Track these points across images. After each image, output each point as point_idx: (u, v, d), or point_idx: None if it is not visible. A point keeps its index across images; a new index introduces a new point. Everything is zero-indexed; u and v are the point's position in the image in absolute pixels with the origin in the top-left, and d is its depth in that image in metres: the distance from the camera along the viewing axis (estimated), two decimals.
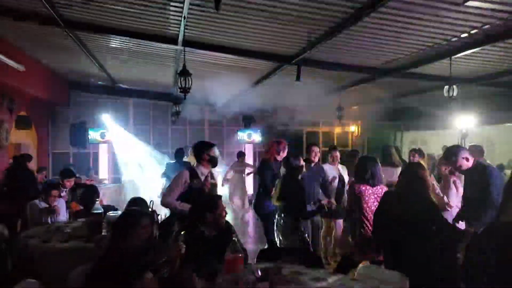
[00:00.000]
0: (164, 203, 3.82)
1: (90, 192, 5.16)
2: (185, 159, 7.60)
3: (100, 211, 3.98)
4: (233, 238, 2.69)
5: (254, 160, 11.19)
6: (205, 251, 2.82)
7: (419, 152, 6.13)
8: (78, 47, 5.86)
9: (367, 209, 3.77)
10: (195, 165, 4.06)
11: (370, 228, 3.72)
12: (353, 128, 12.14)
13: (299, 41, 4.91)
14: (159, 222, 3.93)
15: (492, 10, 3.65)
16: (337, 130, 12.01)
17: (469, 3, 3.50)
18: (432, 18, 3.93)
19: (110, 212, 4.01)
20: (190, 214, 3.25)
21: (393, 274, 2.82)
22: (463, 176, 4.13)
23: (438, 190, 4.61)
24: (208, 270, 2.55)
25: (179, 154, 7.25)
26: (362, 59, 5.60)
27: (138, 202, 4.03)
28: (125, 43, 5.74)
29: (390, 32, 4.39)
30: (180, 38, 4.83)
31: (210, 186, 4.01)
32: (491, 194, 3.42)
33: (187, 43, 4.87)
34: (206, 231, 3.04)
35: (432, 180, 4.52)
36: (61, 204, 4.72)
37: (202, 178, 3.92)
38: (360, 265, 3.13)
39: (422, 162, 5.46)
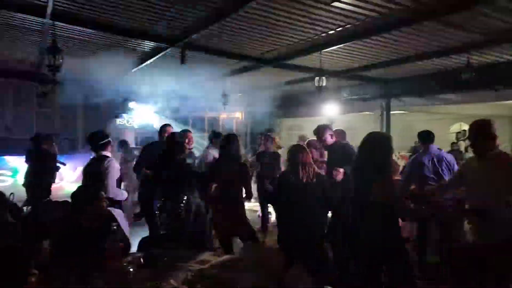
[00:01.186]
0: None
1: None
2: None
3: None
4: (113, 228, 2.59)
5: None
6: (82, 243, 2.68)
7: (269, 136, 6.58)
8: None
9: (226, 182, 4.01)
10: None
11: (227, 200, 4.01)
12: (238, 115, 12.51)
13: (182, 24, 4.85)
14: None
15: (353, 12, 4.14)
16: (223, 116, 12.24)
17: (335, 4, 3.91)
18: (305, 14, 4.27)
19: None
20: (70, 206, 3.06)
21: (271, 250, 3.07)
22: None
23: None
24: (83, 264, 2.44)
25: (37, 140, 6.63)
26: (243, 47, 5.78)
27: None
28: None
29: (268, 23, 4.64)
30: (49, 10, 4.33)
31: None
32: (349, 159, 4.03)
33: (57, 16, 4.41)
34: (84, 223, 2.90)
35: None
36: None
37: None
38: (242, 244, 3.35)
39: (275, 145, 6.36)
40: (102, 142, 4.15)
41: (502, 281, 2.86)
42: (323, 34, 4.97)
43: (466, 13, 4.05)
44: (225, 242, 4.01)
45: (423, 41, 5.19)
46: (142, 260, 2.59)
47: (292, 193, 3.45)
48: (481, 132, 2.96)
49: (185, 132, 5.60)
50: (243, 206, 4.09)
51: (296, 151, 3.58)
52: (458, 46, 5.31)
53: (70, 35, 5.39)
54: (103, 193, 3.09)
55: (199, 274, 2.48)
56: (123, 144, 8.55)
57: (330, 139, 4.70)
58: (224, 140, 4.15)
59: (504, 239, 2.81)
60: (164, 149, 4.35)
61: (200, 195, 5.53)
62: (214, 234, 5.83)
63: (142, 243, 3.25)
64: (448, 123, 12.27)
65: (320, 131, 4.74)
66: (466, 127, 12.26)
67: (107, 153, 4.15)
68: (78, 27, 5.00)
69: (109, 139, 4.22)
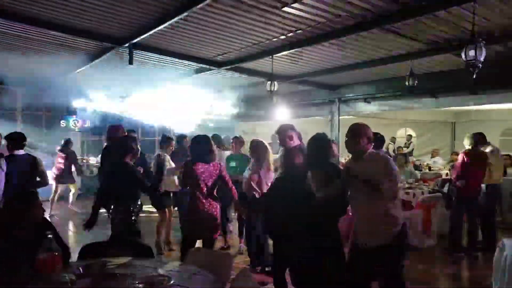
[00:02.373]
0: None
1: None
2: None
3: None
4: (49, 236, 2.42)
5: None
6: (17, 255, 2.49)
7: (239, 139, 6.55)
8: None
9: (201, 184, 3.96)
10: None
11: (203, 202, 3.96)
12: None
13: (131, 24, 4.70)
14: None
15: (303, 17, 4.21)
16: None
17: (285, 9, 3.96)
18: (257, 17, 4.29)
19: None
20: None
21: (220, 254, 3.02)
22: None
23: None
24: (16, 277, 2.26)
25: None
26: (195, 49, 5.71)
27: None
28: None
29: (220, 26, 4.61)
30: None
31: None
32: None
33: None
34: (18, 235, 2.70)
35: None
36: None
37: None
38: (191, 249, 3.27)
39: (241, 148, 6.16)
40: (24, 142, 4.69)
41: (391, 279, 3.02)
42: (274, 39, 5.02)
43: (409, 22, 4.26)
44: (190, 244, 3.92)
45: (369, 48, 5.39)
46: (81, 269, 2.44)
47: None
48: (357, 134, 3.08)
49: (130, 133, 5.50)
50: (218, 207, 4.04)
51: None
52: (402, 54, 5.56)
53: (7, 31, 5.05)
54: (40, 200, 2.92)
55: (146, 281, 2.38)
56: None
57: (293, 140, 4.45)
58: (194, 141, 4.10)
59: (381, 243, 2.93)
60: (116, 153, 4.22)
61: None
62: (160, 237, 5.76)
63: (83, 251, 3.07)
64: (395, 128, 12.88)
65: (282, 129, 4.50)
66: (411, 132, 12.95)
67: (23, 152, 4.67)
68: (17, 24, 4.69)
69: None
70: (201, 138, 4.14)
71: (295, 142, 4.30)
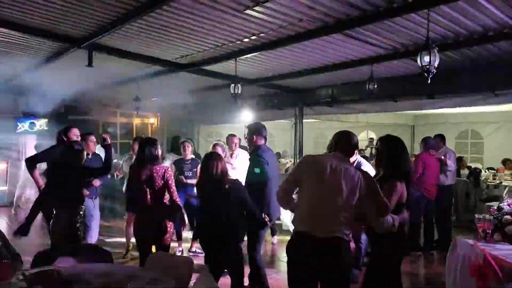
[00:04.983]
0: None
1: None
2: None
3: None
4: None
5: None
6: None
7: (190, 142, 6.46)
8: None
9: (145, 188, 3.86)
10: None
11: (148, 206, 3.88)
12: (153, 120, 12.11)
13: (90, 24, 4.55)
14: None
15: (266, 21, 4.24)
16: (136, 121, 11.77)
17: (248, 11, 3.97)
18: (219, 20, 4.27)
19: None
20: None
21: (181, 258, 2.98)
22: None
23: None
24: None
25: None
26: (157, 51, 5.61)
27: None
28: None
29: (182, 27, 4.55)
30: None
31: None
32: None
33: None
34: None
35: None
36: None
37: None
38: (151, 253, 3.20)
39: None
40: None
41: None
42: (238, 42, 5.02)
43: (368, 28, 4.38)
44: (143, 249, 3.82)
45: (331, 53, 5.49)
46: (33, 277, 2.33)
47: None
48: None
49: (88, 136, 5.36)
50: (163, 213, 3.92)
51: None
52: (363, 58, 5.71)
53: None
54: None
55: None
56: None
57: (259, 141, 4.35)
58: (141, 144, 4.01)
59: None
60: (63, 155, 4.13)
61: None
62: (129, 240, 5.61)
63: (37, 259, 2.94)
64: (357, 131, 13.22)
65: (251, 128, 4.42)
66: (372, 135, 13.33)
67: None
68: None
69: None
70: (147, 140, 4.04)
71: (261, 141, 4.32)
